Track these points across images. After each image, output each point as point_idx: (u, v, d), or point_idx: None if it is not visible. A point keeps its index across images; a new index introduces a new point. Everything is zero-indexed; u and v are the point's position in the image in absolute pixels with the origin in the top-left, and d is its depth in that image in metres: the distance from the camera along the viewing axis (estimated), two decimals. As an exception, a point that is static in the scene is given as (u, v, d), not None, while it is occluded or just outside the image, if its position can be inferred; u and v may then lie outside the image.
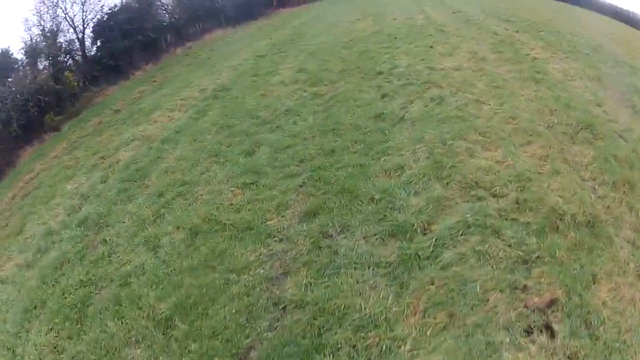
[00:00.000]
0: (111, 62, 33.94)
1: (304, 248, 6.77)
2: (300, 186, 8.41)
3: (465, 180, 7.38)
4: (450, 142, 8.67)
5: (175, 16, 44.84)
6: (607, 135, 9.07)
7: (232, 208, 8.32)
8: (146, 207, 9.54)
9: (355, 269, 6.17)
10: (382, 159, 8.64)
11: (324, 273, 6.22)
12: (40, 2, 34.22)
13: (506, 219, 6.51)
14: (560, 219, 6.45)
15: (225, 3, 49.34)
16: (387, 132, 9.71)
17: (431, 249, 6.15)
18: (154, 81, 25.28)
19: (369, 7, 36.63)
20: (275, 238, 7.18)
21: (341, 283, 5.99)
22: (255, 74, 16.60)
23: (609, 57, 17.90)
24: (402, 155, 8.61)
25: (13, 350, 7.15)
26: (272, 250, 6.96)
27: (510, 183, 7.25)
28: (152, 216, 9.09)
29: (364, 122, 10.38)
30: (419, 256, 6.08)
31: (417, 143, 8.93)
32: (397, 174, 8.08)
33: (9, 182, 21.49)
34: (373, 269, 6.09)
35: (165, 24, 42.62)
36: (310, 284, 6.11)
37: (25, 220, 12.60)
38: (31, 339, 7.16)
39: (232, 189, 8.96)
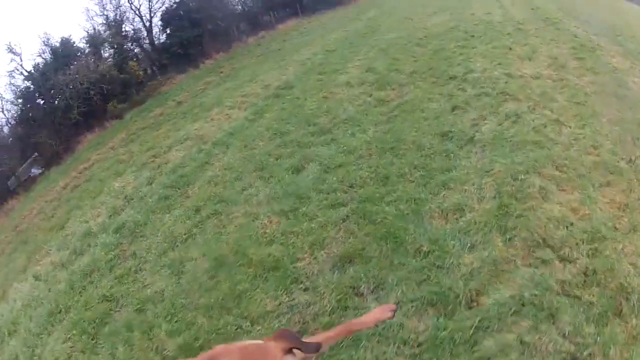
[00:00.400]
0: (180, 51, 34.19)
1: (329, 305, 5.67)
2: (343, 220, 7.24)
3: (532, 237, 6.05)
4: (523, 176, 7.42)
5: (249, 4, 44.59)
6: None
7: (264, 239, 7.34)
8: (181, 222, 8.89)
9: (378, 341, 4.96)
10: (442, 193, 7.37)
11: (341, 343, 4.91)
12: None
13: (569, 296, 5.14)
14: (627, 299, 5.06)
15: None
16: (452, 156, 8.49)
17: (471, 331, 4.85)
18: (221, 72, 25.09)
19: (446, 0, 35.89)
20: (302, 285, 6.15)
21: (357, 359, 4.87)
22: (322, 71, 15.76)
23: None
24: (466, 190, 7.34)
25: (33, 350, 7.20)
26: (294, 300, 5.95)
27: (583, 243, 5.88)
28: (184, 235, 8.41)
29: (428, 141, 9.19)
30: (455, 340, 4.78)
31: (484, 175, 7.66)
32: (455, 216, 6.77)
33: (65, 168, 21.73)
34: (398, 347, 4.86)
35: (237, 12, 42.27)
36: (323, 355, 5.00)
37: (70, 215, 12.81)
38: (50, 344, 7.11)
39: (269, 214, 7.96)
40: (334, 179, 8.53)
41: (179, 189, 10.53)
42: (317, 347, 2.56)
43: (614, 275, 5.33)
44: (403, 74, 13.35)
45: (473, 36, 17.84)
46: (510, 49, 15.23)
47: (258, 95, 15.34)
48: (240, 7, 45.16)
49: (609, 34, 20.92)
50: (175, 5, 37.39)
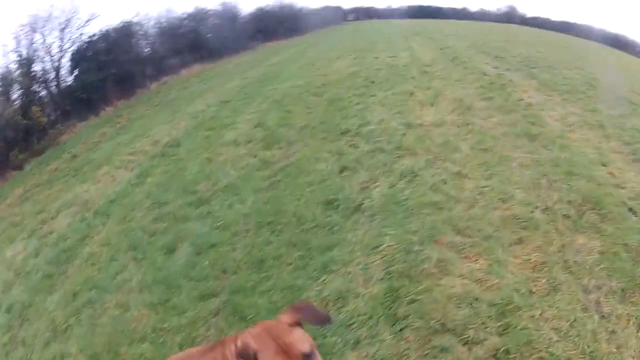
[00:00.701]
0: (84, 96, 32.53)
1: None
2: (214, 315, 6.23)
3: (427, 325, 5.21)
4: (417, 248, 6.57)
5: (157, 47, 43.94)
6: (616, 214, 7.34)
7: (136, 336, 6.37)
8: (61, 309, 7.89)
9: None
10: (322, 278, 6.37)
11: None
12: (20, 26, 33.19)
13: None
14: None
15: (210, 35, 49.21)
16: (336, 229, 7.57)
17: None
18: (118, 122, 24.20)
19: (355, 42, 36.46)
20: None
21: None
22: (211, 126, 14.95)
23: (608, 94, 16.66)
24: (350, 273, 6.36)
25: None
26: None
27: (491, 319, 5.20)
28: (64, 324, 7.42)
29: (311, 212, 8.23)
30: None
31: (371, 252, 6.72)
32: (337, 306, 5.78)
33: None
34: None
35: (144, 55, 41.54)
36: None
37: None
38: None
39: (139, 306, 6.99)
40: (206, 262, 7.58)
41: (61, 265, 9.42)
42: (326, 317, 3.29)
43: (532, 348, 4.82)
44: (293, 129, 12.74)
45: (373, 82, 17.56)
46: (412, 94, 14.96)
47: (146, 153, 14.42)
48: (147, 49, 44.41)
49: (523, 67, 21.36)
50: (85, 45, 35.90)
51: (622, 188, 8.37)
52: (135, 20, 42.46)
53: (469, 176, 8.80)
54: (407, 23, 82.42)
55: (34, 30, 33.62)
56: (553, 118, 12.70)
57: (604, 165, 9.51)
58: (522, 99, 14.52)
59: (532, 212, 7.41)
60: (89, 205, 11.94)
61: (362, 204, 8.29)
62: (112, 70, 34.73)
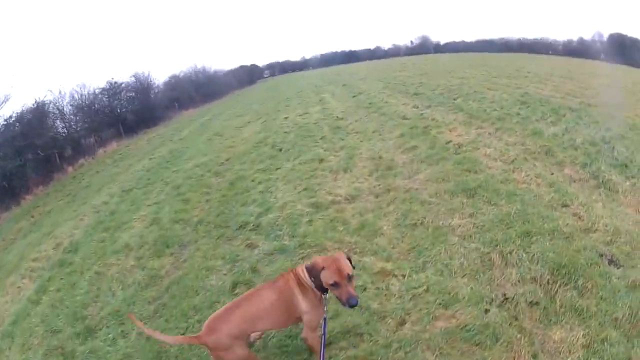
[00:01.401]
0: (5, 183, 31.23)
1: None
2: None
3: None
4: None
5: (72, 126, 43.17)
6: (596, 277, 6.18)
7: None
8: None
9: None
10: None
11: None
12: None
13: None
14: None
15: (127, 111, 48.92)
16: None
17: None
18: (32, 216, 22.89)
19: (265, 103, 36.12)
20: None
21: None
22: (108, 225, 13.53)
23: (546, 110, 16.60)
24: None
25: None
26: None
27: None
28: None
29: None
30: None
31: None
32: None
33: None
34: None
35: (60, 137, 40.59)
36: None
37: None
38: None
39: None
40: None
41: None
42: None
43: None
44: (189, 225, 11.29)
45: (281, 150, 16.77)
46: (322, 160, 13.87)
47: (48, 259, 12.90)
48: (64, 130, 43.40)
49: (445, 100, 21.25)
50: (2, 128, 34.84)
51: (594, 231, 7.45)
52: (49, 98, 41.89)
53: (394, 273, 7.11)
54: (321, 73, 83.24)
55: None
56: (490, 157, 11.67)
57: (565, 206, 8.50)
58: (450, 141, 13.59)
59: (485, 312, 5.90)
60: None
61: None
62: (29, 155, 33.75)
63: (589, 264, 6.47)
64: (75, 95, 46.75)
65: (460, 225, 8.18)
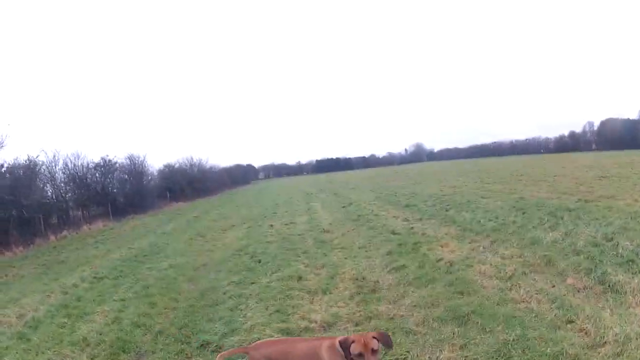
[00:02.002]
0: None
1: None
2: None
3: None
4: None
5: (63, 195, 43.16)
6: None
7: None
8: None
9: None
10: None
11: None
12: None
13: None
14: None
15: (118, 192, 48.95)
16: None
17: None
18: (5, 275, 22.21)
19: (255, 206, 35.94)
20: None
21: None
22: (71, 312, 13.03)
23: (543, 215, 16.78)
24: None
25: None
26: None
27: None
28: None
29: None
30: None
31: None
32: None
33: None
34: None
35: (50, 202, 40.48)
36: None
37: None
38: None
39: None
40: None
41: None
42: (391, 344, 5.85)
43: None
44: (150, 332, 10.66)
45: (260, 261, 16.11)
46: (300, 279, 13.10)
47: (10, 326, 12.50)
48: (53, 196, 43.26)
49: (437, 212, 21.20)
50: None
51: (602, 345, 6.93)
52: (42, 159, 41.60)
53: None
54: (314, 179, 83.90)
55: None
56: (485, 274, 11.08)
57: (570, 322, 7.86)
58: (441, 259, 13.00)
59: None
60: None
61: None
62: (14, 212, 33.48)
63: None
64: (69, 164, 46.87)
65: (449, 359, 7.30)
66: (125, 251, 23.82)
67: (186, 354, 9.11)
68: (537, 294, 9.33)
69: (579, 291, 9.29)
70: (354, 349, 5.48)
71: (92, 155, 75.21)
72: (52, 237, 35.23)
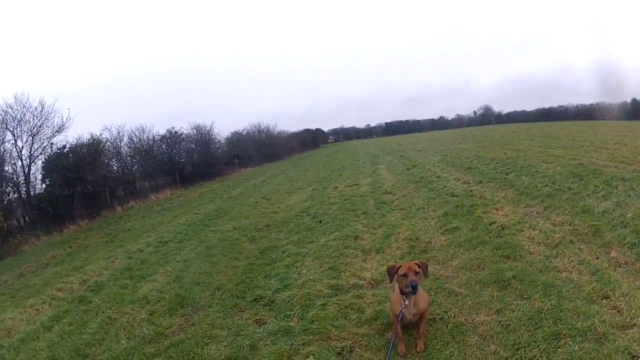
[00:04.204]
0: (50, 209, 31.64)
1: None
2: None
3: None
4: None
5: (129, 168, 43.88)
6: None
7: None
8: None
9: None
10: None
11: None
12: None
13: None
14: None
15: (185, 161, 49.41)
16: None
17: None
18: (70, 246, 23.20)
19: (322, 169, 36.54)
20: None
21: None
22: (134, 274, 13.54)
23: (599, 183, 16.03)
24: None
25: None
26: None
27: None
28: None
29: None
30: None
31: None
32: None
33: None
34: None
35: (115, 175, 41.17)
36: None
37: None
38: None
39: None
40: None
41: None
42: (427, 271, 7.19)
43: None
44: (208, 289, 11.00)
45: (321, 222, 16.28)
46: (357, 238, 13.22)
47: (72, 292, 13.10)
48: (119, 170, 44.04)
49: (497, 175, 20.81)
50: (55, 156, 35.45)
51: (631, 327, 6.60)
52: (105, 136, 42.69)
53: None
54: (382, 142, 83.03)
55: (5, 128, 33.35)
56: (534, 240, 10.80)
57: (605, 298, 7.57)
58: (494, 222, 12.78)
59: None
60: (7, 338, 10.71)
61: None
62: (78, 187, 34.28)
63: None
64: (134, 138, 48.00)
65: (483, 323, 7.24)
66: (191, 216, 24.47)
67: (239, 308, 9.42)
68: (579, 264, 9.08)
69: (620, 266, 8.97)
70: (400, 271, 6.69)
71: (157, 128, 75.78)
72: (119, 208, 36.26)
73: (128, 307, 10.50)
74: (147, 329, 9.03)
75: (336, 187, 25.06)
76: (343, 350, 6.99)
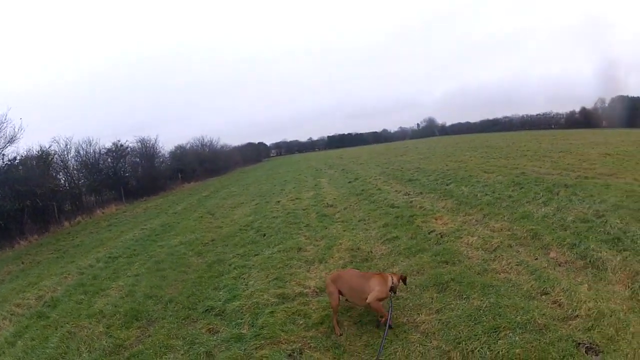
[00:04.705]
0: (1, 223, 31.30)
1: None
2: None
3: None
4: None
5: (76, 181, 43.48)
6: None
7: None
8: None
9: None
10: None
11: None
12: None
13: None
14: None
15: (130, 175, 49.26)
16: None
17: None
18: (22, 262, 22.95)
19: (264, 184, 37.73)
20: None
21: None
22: (88, 289, 13.91)
23: (539, 190, 16.84)
24: None
25: None
26: None
27: None
28: None
29: None
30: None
31: None
32: None
33: None
34: None
35: (63, 189, 40.76)
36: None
37: None
38: None
39: None
40: None
41: None
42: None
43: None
44: (160, 302, 11.57)
45: (264, 235, 16.84)
46: (300, 249, 13.94)
47: (30, 308, 13.37)
48: (66, 184, 43.75)
49: (438, 186, 21.39)
50: (6, 168, 34.81)
51: (574, 318, 7.35)
52: (54, 149, 41.90)
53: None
54: (325, 155, 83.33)
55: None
56: (472, 246, 11.68)
57: (545, 294, 8.39)
58: (433, 230, 13.62)
59: None
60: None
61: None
62: (28, 201, 33.73)
63: (562, 356, 6.39)
64: (81, 151, 47.33)
65: (424, 322, 8.02)
66: (138, 232, 24.72)
67: (192, 319, 10.03)
68: (517, 265, 9.87)
69: (560, 265, 9.77)
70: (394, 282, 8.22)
71: (104, 141, 75.09)
72: (67, 223, 35.81)
73: (85, 321, 10.91)
74: (107, 342, 9.51)
75: (279, 201, 25.65)
76: (293, 352, 7.66)
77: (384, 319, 8.07)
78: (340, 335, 8.06)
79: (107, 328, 10.30)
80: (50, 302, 13.37)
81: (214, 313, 10.14)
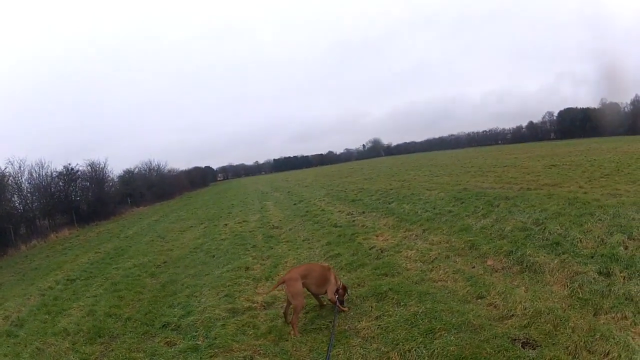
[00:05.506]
0: None
1: None
2: None
3: None
4: None
5: (29, 205, 43.41)
6: None
7: None
8: None
9: None
10: None
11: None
12: None
13: None
14: None
15: (81, 199, 49.17)
16: None
17: None
18: None
19: (211, 208, 38.66)
20: None
21: None
22: (51, 309, 14.67)
23: (480, 204, 17.23)
24: None
25: None
26: None
27: None
28: None
29: None
30: None
31: None
32: None
33: None
34: None
35: (18, 212, 40.86)
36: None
37: None
38: None
39: None
40: None
41: None
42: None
43: None
44: (120, 320, 12.41)
45: (214, 256, 17.71)
46: (248, 269, 14.74)
47: None
48: (21, 207, 43.89)
49: (380, 205, 22.07)
50: None
51: (510, 318, 8.04)
52: (9, 170, 41.99)
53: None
54: (271, 178, 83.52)
55: None
56: (411, 259, 12.54)
57: (480, 298, 9.18)
58: (373, 247, 14.44)
59: None
60: None
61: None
62: None
63: (497, 351, 6.84)
64: (34, 174, 47.19)
65: (365, 328, 8.64)
66: (92, 255, 25.41)
67: (150, 334, 10.96)
68: (454, 274, 10.75)
69: (496, 271, 10.61)
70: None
71: (56, 163, 74.43)
72: (23, 247, 36.11)
73: (52, 338, 11.72)
74: (73, 357, 10.39)
75: (226, 224, 26.62)
76: (245, 359, 8.50)
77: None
78: (296, 336, 8.97)
79: (72, 344, 11.13)
80: (17, 322, 14.02)
81: (170, 328, 11.00)
